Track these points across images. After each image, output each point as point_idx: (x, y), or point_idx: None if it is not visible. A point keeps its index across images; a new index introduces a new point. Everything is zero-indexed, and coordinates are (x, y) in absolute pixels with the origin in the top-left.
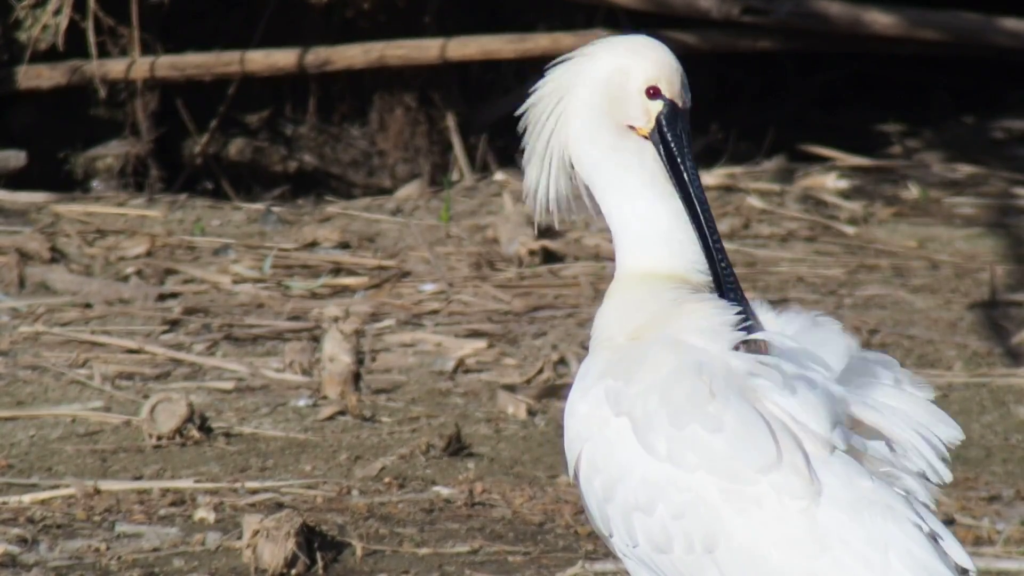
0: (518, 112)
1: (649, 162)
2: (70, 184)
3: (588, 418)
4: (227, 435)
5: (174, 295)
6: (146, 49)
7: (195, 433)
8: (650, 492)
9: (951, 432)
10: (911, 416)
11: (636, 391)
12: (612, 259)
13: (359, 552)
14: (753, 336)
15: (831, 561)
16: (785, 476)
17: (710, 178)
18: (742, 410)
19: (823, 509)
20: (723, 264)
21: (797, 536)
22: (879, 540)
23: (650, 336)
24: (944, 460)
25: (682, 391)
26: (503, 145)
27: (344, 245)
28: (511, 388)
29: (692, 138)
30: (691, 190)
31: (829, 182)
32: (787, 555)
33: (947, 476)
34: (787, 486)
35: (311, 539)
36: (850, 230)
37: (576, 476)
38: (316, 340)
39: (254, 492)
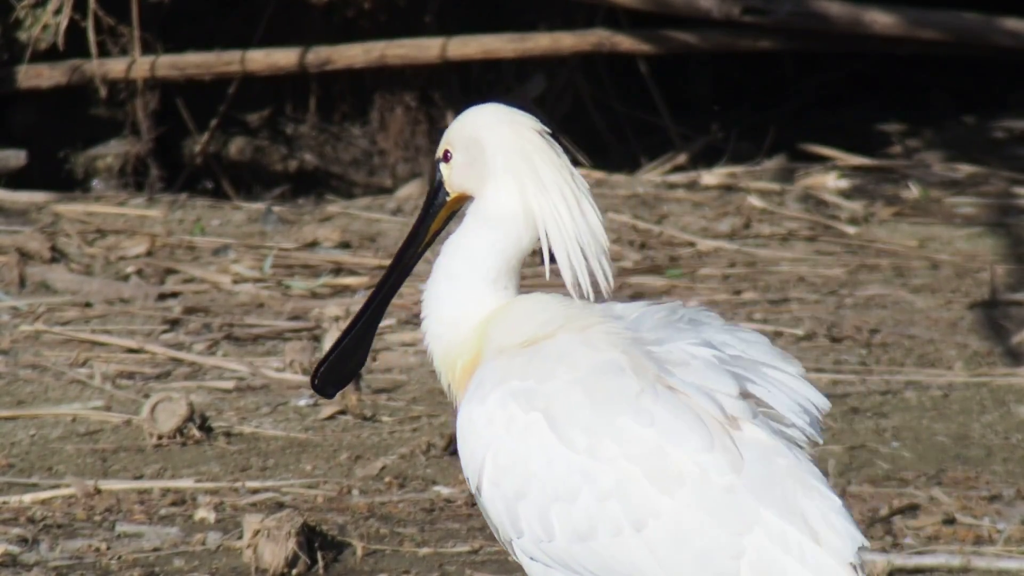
0: None
1: None
2: (70, 184)
3: (491, 422)
4: (227, 435)
5: (174, 295)
6: (146, 48)
7: (196, 433)
8: (573, 481)
9: (821, 400)
10: (790, 388)
11: (553, 388)
12: (613, 259)
13: (360, 552)
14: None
15: (755, 537)
16: (713, 455)
17: (711, 177)
18: (670, 401)
19: (746, 485)
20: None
21: (723, 512)
22: (800, 512)
23: (548, 341)
24: (819, 426)
25: (608, 387)
26: None
27: (344, 244)
28: None
29: (686, 139)
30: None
31: (829, 182)
32: (714, 531)
33: (819, 439)
34: (713, 464)
35: (312, 539)
36: (851, 230)
37: (479, 487)
38: (316, 339)
39: (255, 492)
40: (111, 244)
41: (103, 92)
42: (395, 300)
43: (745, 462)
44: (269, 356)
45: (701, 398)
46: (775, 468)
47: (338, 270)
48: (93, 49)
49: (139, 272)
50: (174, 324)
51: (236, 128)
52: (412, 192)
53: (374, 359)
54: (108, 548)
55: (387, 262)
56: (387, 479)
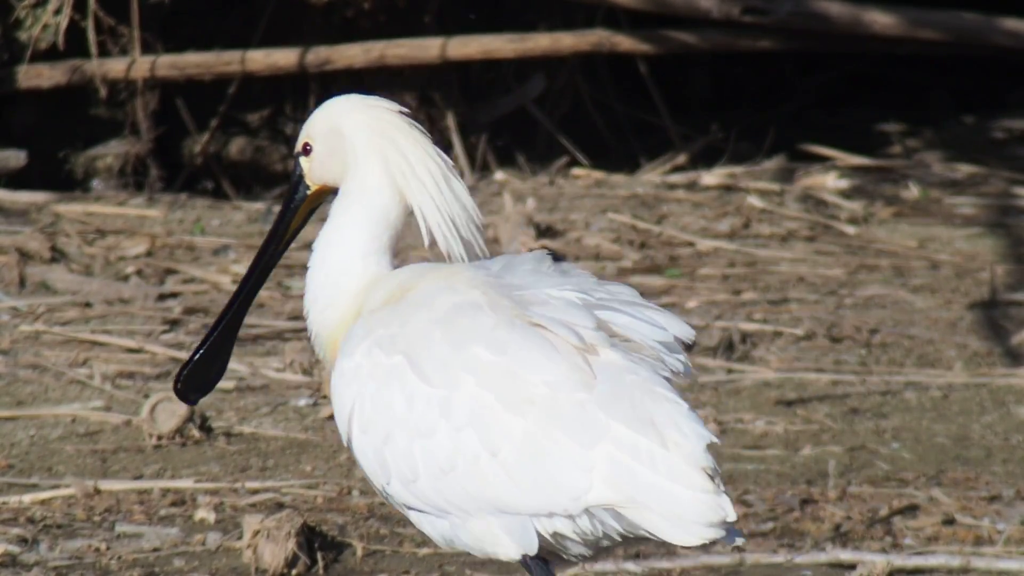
0: None
1: None
2: (70, 184)
3: (357, 371)
4: (227, 435)
5: (174, 295)
6: (146, 48)
7: (195, 433)
8: (431, 416)
9: (685, 331)
10: (652, 322)
11: (414, 330)
12: (613, 259)
13: (359, 552)
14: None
15: (605, 448)
16: (564, 376)
17: (711, 177)
18: (522, 330)
19: (596, 401)
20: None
21: (573, 428)
22: (647, 419)
23: (412, 292)
24: (685, 358)
25: (465, 323)
26: (503, 144)
27: None
28: None
29: (686, 139)
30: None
31: (829, 182)
32: (566, 446)
33: (682, 367)
34: (564, 384)
35: (311, 539)
36: (850, 230)
37: (350, 438)
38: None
39: (254, 492)
40: (111, 244)
41: (103, 92)
42: None
43: (597, 381)
44: (269, 356)
45: (558, 327)
46: (625, 383)
47: None
48: (93, 49)
49: (139, 272)
50: (174, 324)
51: (236, 128)
52: None
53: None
54: (108, 548)
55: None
56: None
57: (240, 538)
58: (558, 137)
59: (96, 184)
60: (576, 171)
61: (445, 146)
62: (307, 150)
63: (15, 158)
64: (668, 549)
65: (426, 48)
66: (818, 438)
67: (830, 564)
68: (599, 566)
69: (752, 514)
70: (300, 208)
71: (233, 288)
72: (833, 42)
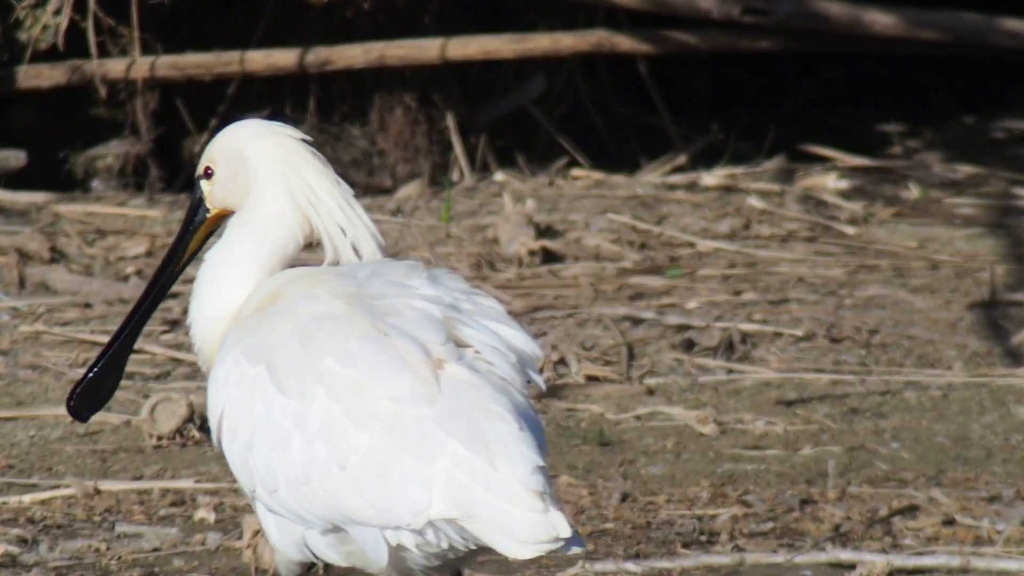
0: None
1: None
2: (70, 184)
3: (226, 379)
4: None
5: (174, 295)
6: (146, 49)
7: (195, 433)
8: (287, 427)
9: (535, 349)
10: (506, 339)
11: (276, 340)
12: (613, 259)
13: None
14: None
15: (443, 465)
16: (408, 391)
17: (711, 178)
18: (374, 343)
19: (436, 417)
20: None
21: (413, 444)
22: (481, 439)
23: (280, 300)
24: (537, 372)
25: (321, 334)
26: (503, 145)
27: None
28: None
29: (686, 139)
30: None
31: (829, 182)
32: (406, 462)
33: (538, 383)
34: (408, 399)
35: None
36: (850, 230)
37: (220, 446)
38: None
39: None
40: (111, 244)
41: (103, 92)
42: None
43: (440, 397)
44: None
45: (407, 342)
46: (466, 400)
47: None
48: (93, 49)
49: (139, 272)
50: (174, 324)
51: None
52: (412, 192)
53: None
54: (108, 548)
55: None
56: None
57: (240, 538)
58: (558, 138)
59: (96, 184)
60: (576, 171)
61: (445, 146)
62: (208, 174)
63: (15, 158)
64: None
65: (426, 49)
66: (818, 438)
67: (830, 564)
68: (599, 566)
69: (752, 514)
70: (199, 230)
71: None
72: (833, 42)
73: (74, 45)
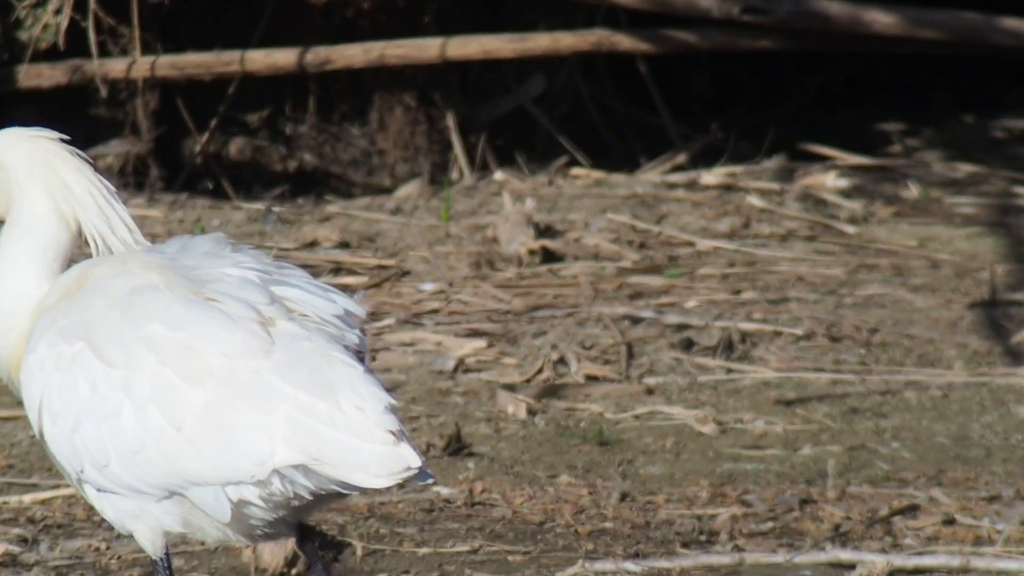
0: None
1: None
2: None
3: (42, 364)
4: None
5: None
6: (146, 48)
7: None
8: (116, 397)
9: (355, 307)
10: (325, 297)
11: (92, 316)
12: (612, 259)
13: (359, 552)
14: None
15: (285, 412)
16: (241, 346)
17: (711, 177)
18: (199, 305)
19: (273, 368)
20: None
21: (252, 396)
22: (325, 383)
23: (89, 281)
24: (355, 328)
25: (142, 303)
26: (503, 144)
27: (344, 244)
28: (511, 388)
29: (685, 138)
30: None
31: (829, 181)
32: (246, 413)
33: (357, 340)
34: (241, 353)
35: (311, 539)
36: (850, 229)
37: (41, 431)
38: None
39: None
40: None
41: (103, 92)
42: (394, 300)
43: (274, 349)
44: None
45: (235, 303)
46: (302, 350)
47: (337, 270)
48: (93, 49)
49: None
50: None
51: (236, 128)
52: (411, 192)
53: (373, 359)
54: (108, 548)
55: (387, 262)
56: None
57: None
58: (558, 137)
59: None
60: (576, 171)
61: (444, 146)
62: None
63: None
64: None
65: (426, 48)
66: (818, 438)
67: (830, 564)
68: (598, 565)
69: (752, 514)
70: None
71: None
72: (833, 41)
73: (74, 45)
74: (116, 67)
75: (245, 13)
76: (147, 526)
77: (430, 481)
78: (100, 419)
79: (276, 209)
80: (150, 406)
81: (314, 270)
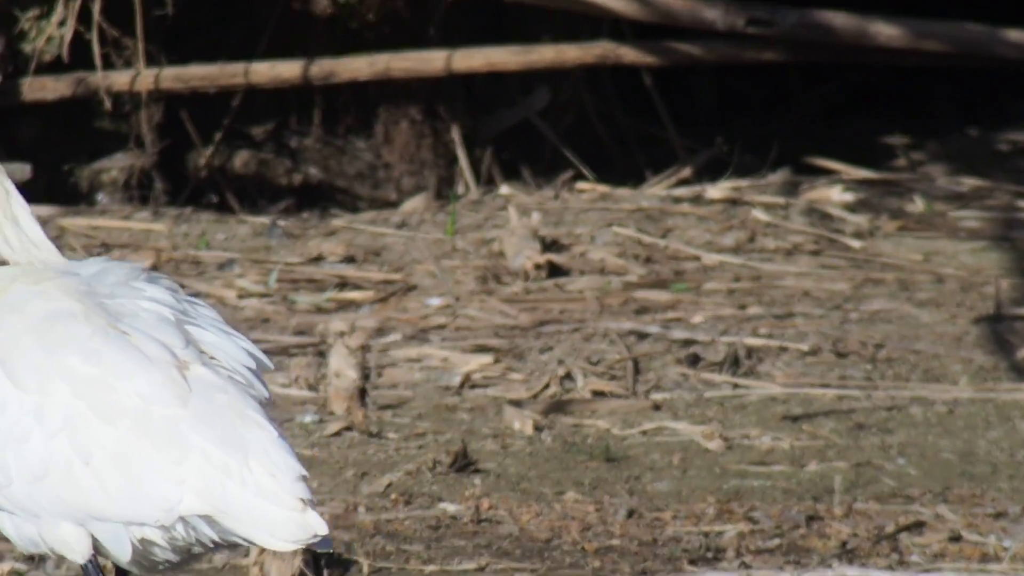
0: None
1: None
2: (75, 197)
3: None
4: None
5: None
6: (151, 61)
7: None
8: (25, 422)
9: (263, 358)
10: (235, 345)
11: (6, 336)
12: (618, 273)
13: (366, 570)
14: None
15: (196, 463)
16: (157, 389)
17: (716, 191)
18: (118, 342)
19: (188, 417)
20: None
21: (163, 441)
22: (239, 442)
23: (2, 296)
24: (263, 382)
25: (60, 331)
26: (508, 158)
27: (350, 259)
28: (517, 403)
29: (690, 151)
30: None
31: (834, 195)
32: (156, 459)
33: (266, 393)
34: (157, 397)
35: (317, 557)
36: (855, 244)
37: None
38: (322, 355)
39: None
40: (116, 258)
41: (108, 105)
42: (400, 315)
43: (191, 396)
44: (274, 372)
45: (150, 343)
46: (218, 403)
47: (343, 285)
48: (98, 61)
49: None
50: None
51: (240, 141)
52: (417, 206)
53: (379, 375)
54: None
55: (393, 276)
56: (393, 496)
57: (247, 555)
58: (563, 150)
59: (101, 198)
60: (581, 185)
61: (450, 159)
62: None
63: (20, 171)
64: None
65: (430, 60)
66: (824, 454)
67: None
68: None
69: (758, 531)
70: None
71: (238, 302)
72: (837, 53)
73: (78, 57)
74: (120, 79)
75: (249, 24)
76: (51, 548)
77: (329, 549)
78: (6, 441)
79: (281, 223)
80: (60, 436)
81: (319, 284)
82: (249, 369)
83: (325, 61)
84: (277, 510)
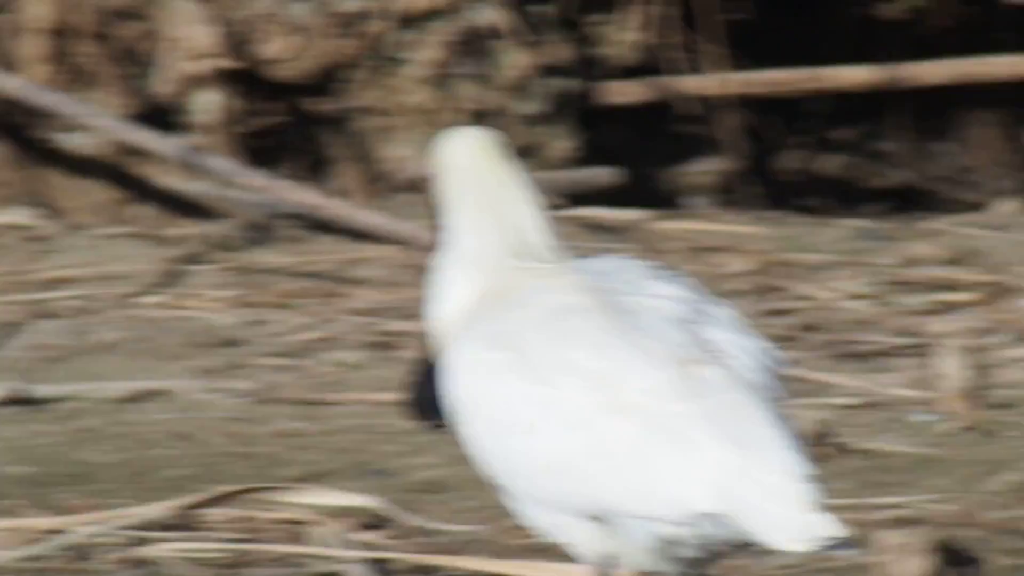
0: None
1: None
2: (658, 201)
3: (463, 367)
4: (854, 451)
5: (779, 312)
6: (726, 65)
7: (829, 449)
8: (533, 414)
9: (777, 355)
10: (747, 345)
11: (519, 328)
12: None
13: (992, 568)
14: None
15: (708, 460)
16: (667, 385)
17: None
18: (628, 338)
19: (699, 414)
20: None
21: (676, 437)
22: (749, 441)
23: (516, 292)
24: (781, 386)
25: (570, 325)
26: None
27: (945, 261)
28: None
29: None
30: None
31: None
32: (670, 455)
33: (779, 393)
34: (669, 393)
35: (946, 554)
36: None
37: (459, 433)
38: (927, 356)
39: (883, 508)
40: (713, 261)
41: (689, 110)
42: (1003, 316)
43: (701, 394)
44: (880, 372)
45: (660, 340)
46: (728, 401)
47: (942, 286)
48: (676, 66)
49: (741, 289)
50: (785, 340)
51: (828, 144)
52: (1013, 208)
53: (989, 375)
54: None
55: (991, 278)
56: (1016, 494)
57: (872, 554)
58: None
59: (690, 201)
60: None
61: None
62: (428, 177)
63: (605, 175)
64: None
65: (1007, 66)
66: None
67: None
68: None
69: None
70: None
71: (839, 305)
72: None
73: (657, 62)
74: (699, 84)
75: (815, 29)
76: (570, 539)
77: (853, 551)
78: (514, 432)
79: (874, 226)
80: (570, 430)
81: (916, 286)
82: (762, 369)
83: (898, 66)
84: (789, 511)
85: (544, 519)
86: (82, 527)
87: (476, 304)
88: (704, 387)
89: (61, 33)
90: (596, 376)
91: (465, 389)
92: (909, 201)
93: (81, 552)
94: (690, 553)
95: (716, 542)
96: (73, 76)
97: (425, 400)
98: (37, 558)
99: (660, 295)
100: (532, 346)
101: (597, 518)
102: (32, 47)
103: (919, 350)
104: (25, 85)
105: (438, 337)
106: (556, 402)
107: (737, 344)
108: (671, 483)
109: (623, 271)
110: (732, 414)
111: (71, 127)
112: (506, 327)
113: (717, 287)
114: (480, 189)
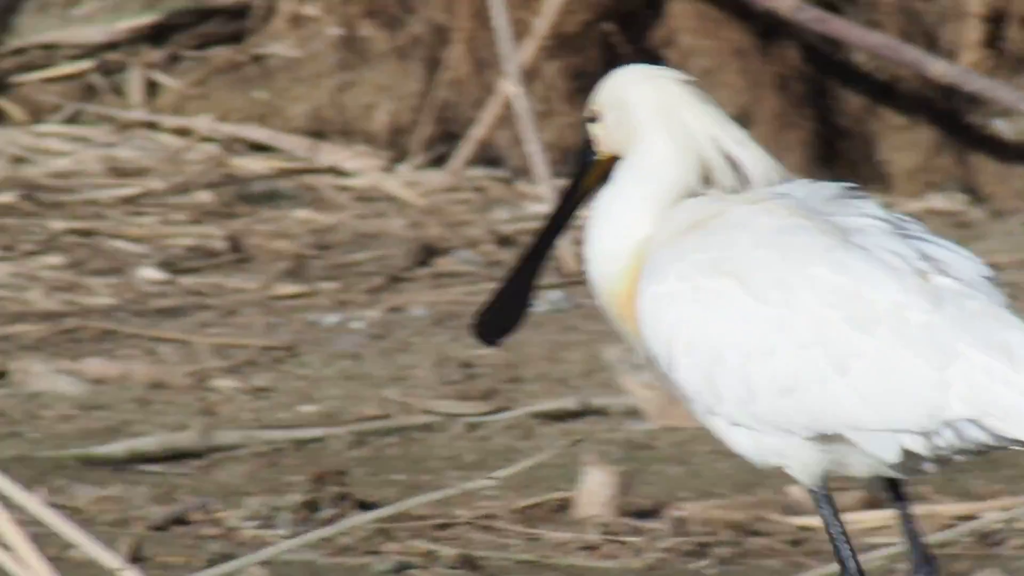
0: None
1: None
2: None
3: (675, 297)
4: None
5: None
6: None
7: None
8: (771, 335)
9: (986, 268)
10: (965, 257)
11: (739, 252)
12: None
13: None
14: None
15: (960, 367)
16: (908, 296)
17: None
18: (859, 252)
19: (944, 322)
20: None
21: (924, 348)
22: (999, 344)
23: (719, 219)
24: (996, 289)
25: (799, 243)
26: None
27: None
28: None
29: None
30: None
31: None
32: (918, 365)
33: (1003, 300)
34: (910, 304)
35: None
36: None
37: (671, 364)
38: None
39: None
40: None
41: None
42: None
43: (943, 302)
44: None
45: (889, 253)
46: (970, 308)
47: None
48: None
49: None
50: None
51: None
52: None
53: None
54: None
55: None
56: None
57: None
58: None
59: None
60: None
61: None
62: (595, 118)
63: None
64: None
65: None
66: None
67: None
68: None
69: None
70: (589, 173)
71: None
72: None
73: None
74: None
75: None
76: (793, 462)
77: None
78: (748, 356)
79: None
80: (812, 348)
81: None
82: (983, 278)
83: None
84: None
85: (764, 444)
86: (991, 513)
87: (668, 236)
88: (945, 295)
89: (995, 19)
90: (836, 291)
91: (680, 319)
92: None
93: (991, 538)
94: (931, 465)
95: (966, 448)
96: (1006, 61)
97: (495, 319)
98: (949, 543)
99: (866, 213)
100: (761, 268)
101: (829, 437)
102: (967, 32)
103: None
104: (959, 70)
105: (607, 277)
106: (795, 321)
107: (953, 256)
108: (924, 392)
109: (819, 193)
110: (979, 319)
111: (1003, 113)
112: (724, 253)
113: None
114: (675, 125)
